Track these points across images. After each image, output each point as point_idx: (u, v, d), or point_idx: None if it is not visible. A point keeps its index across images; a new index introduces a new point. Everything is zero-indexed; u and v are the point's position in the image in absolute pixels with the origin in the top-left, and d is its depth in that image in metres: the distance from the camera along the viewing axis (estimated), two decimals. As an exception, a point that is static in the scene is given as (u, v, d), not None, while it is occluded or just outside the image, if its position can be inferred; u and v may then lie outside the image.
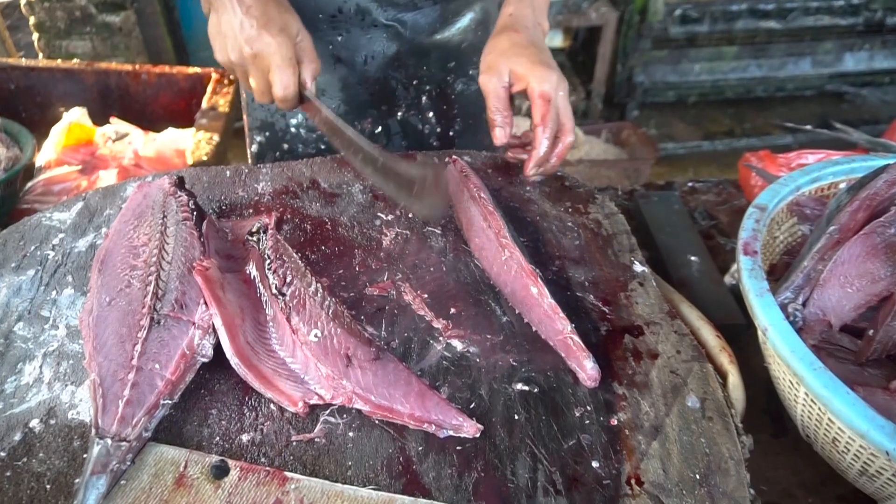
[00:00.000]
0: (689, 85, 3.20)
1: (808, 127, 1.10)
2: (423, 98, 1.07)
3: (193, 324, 0.65)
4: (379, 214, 0.86)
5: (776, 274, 0.72)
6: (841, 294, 0.62)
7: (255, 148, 1.13)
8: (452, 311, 0.72)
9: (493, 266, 0.74)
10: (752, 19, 3.04)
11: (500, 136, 0.87)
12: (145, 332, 0.63)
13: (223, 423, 0.61)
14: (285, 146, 1.10)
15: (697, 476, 0.57)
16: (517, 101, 0.96)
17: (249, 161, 1.16)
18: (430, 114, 1.08)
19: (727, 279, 0.86)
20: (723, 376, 0.66)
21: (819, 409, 0.58)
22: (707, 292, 0.83)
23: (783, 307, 0.63)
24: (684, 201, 1.03)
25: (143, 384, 0.60)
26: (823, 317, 0.63)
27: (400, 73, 1.04)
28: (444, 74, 1.07)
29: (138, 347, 0.62)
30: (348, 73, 1.02)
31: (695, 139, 3.30)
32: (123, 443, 0.56)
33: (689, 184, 1.07)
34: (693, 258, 0.87)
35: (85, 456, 0.56)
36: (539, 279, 0.69)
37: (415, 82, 1.05)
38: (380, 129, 1.08)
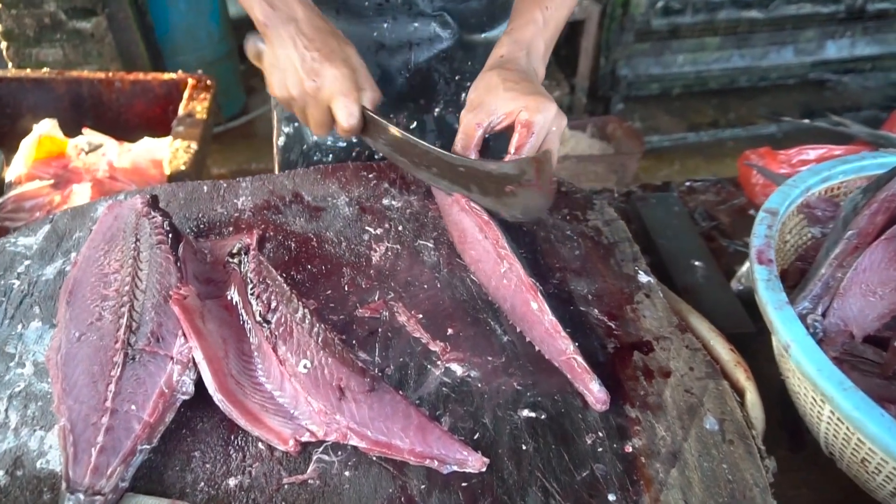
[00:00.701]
0: (673, 77, 3.18)
1: (807, 121, 1.07)
2: (463, 95, 1.02)
3: (172, 358, 0.60)
4: (367, 228, 0.81)
5: (789, 280, 0.68)
6: (863, 303, 0.59)
7: (282, 140, 1.11)
8: (450, 331, 0.68)
9: (492, 280, 0.70)
10: (734, 9, 3.01)
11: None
12: (119, 369, 0.58)
13: (208, 466, 0.56)
14: (313, 138, 1.07)
15: (721, 506, 0.53)
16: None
17: (275, 154, 1.14)
18: None
19: (734, 284, 0.83)
20: (740, 394, 0.62)
21: (847, 428, 0.54)
22: (714, 299, 0.79)
23: (802, 318, 0.59)
24: (682, 202, 0.99)
25: (119, 428, 0.55)
26: (845, 327, 0.59)
27: (444, 67, 1.01)
28: None
29: (112, 387, 0.57)
30: (391, 60, 0.99)
31: (680, 131, 3.27)
32: (98, 496, 0.51)
33: (687, 183, 1.04)
34: (697, 263, 0.84)
35: (55, 512, 0.51)
36: (539, 294, 0.64)
37: (457, 77, 1.02)
38: (415, 124, 1.05)
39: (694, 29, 3.03)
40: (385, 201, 0.85)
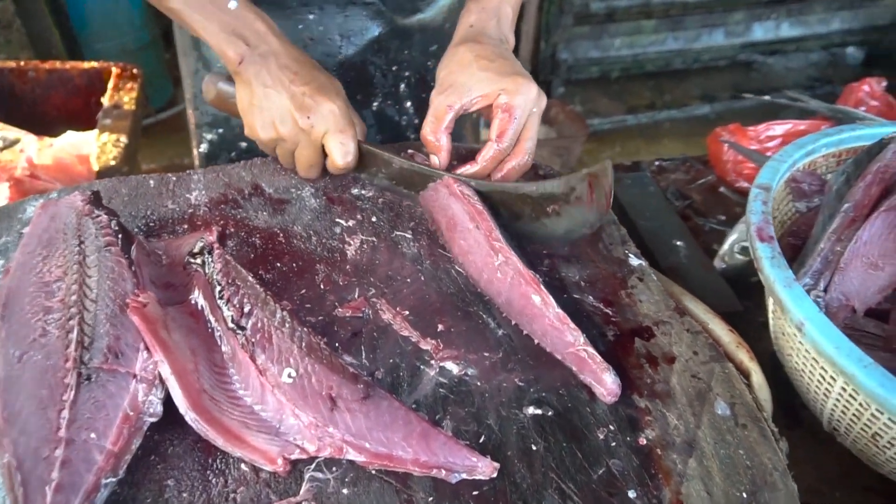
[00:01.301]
0: (612, 60, 3.21)
1: (767, 97, 1.07)
2: (402, 86, 0.96)
3: (135, 376, 0.53)
4: (338, 220, 0.75)
5: (784, 255, 0.67)
6: (865, 276, 0.58)
7: (204, 148, 1.00)
8: (440, 327, 0.63)
9: (483, 273, 0.66)
10: (667, -8, 3.07)
11: (434, 163, 0.74)
12: (73, 392, 0.51)
13: (185, 495, 0.49)
14: (243, 144, 0.97)
15: (745, 494, 0.51)
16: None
17: (196, 165, 1.02)
18: (408, 104, 0.97)
19: (717, 263, 0.82)
20: (745, 375, 0.60)
21: (859, 404, 0.53)
22: (699, 279, 0.78)
23: (805, 295, 0.58)
24: (654, 182, 0.98)
25: (77, 461, 0.48)
26: (847, 302, 0.58)
27: (380, 58, 0.93)
28: (425, 59, 0.96)
29: (65, 413, 0.50)
30: (322, 58, 0.90)
31: (619, 114, 3.32)
32: (58, 544, 0.44)
33: (657, 163, 1.02)
34: (679, 243, 0.82)
35: (7, 566, 0.44)
36: (542, 286, 0.61)
37: (394, 68, 0.95)
38: None
39: (630, 12, 3.06)
40: (354, 191, 0.79)
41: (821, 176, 0.71)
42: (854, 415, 0.55)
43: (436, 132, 0.72)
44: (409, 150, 0.81)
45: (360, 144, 0.75)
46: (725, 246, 0.82)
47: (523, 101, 0.69)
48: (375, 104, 0.97)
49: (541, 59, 3.11)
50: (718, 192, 0.97)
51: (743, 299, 0.78)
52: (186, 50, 0.97)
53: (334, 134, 0.73)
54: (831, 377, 0.55)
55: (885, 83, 1.05)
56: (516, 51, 3.31)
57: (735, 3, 3.21)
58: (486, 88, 0.70)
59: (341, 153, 0.73)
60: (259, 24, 0.73)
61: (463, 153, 0.86)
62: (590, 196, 0.67)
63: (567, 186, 0.67)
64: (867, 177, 0.61)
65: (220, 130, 0.98)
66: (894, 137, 0.64)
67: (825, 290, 0.59)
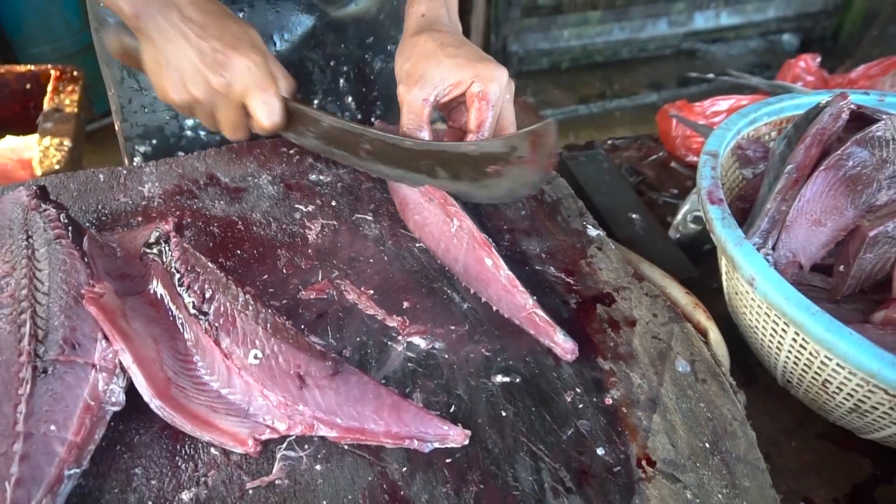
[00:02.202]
0: (561, 51, 3.26)
1: (711, 75, 1.11)
2: (341, 81, 0.93)
3: (94, 366, 0.51)
4: (297, 206, 0.74)
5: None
6: (808, 233, 0.61)
7: (138, 161, 0.94)
8: (406, 304, 0.63)
9: (441, 242, 0.66)
10: (611, -17, 3.13)
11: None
12: (29, 386, 0.49)
13: (153, 483, 0.49)
14: (181, 154, 0.92)
15: (707, 444, 0.53)
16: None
17: None
18: (349, 98, 0.95)
19: (671, 233, 0.84)
20: (703, 333, 0.63)
21: (810, 353, 0.56)
22: (656, 249, 0.80)
23: (754, 253, 0.60)
24: (609, 159, 1.00)
25: (37, 454, 0.46)
26: (794, 258, 0.61)
27: (316, 54, 0.90)
28: (362, 52, 0.94)
29: (22, 408, 0.48)
30: None
31: (570, 104, 3.37)
32: (23, 537, 0.43)
33: (609, 141, 1.05)
34: (634, 216, 0.84)
35: (-32, 565, 0.42)
36: (493, 249, 0.61)
37: (332, 63, 0.92)
38: None
39: (576, 3, 3.11)
40: (312, 177, 0.79)
41: (764, 143, 0.74)
42: (805, 364, 0.58)
43: (418, 129, 0.68)
44: (376, 122, 0.80)
45: (286, 102, 0.68)
46: (679, 216, 0.85)
47: (497, 87, 0.66)
48: (316, 101, 0.95)
49: (491, 52, 3.12)
50: (670, 168, 1.00)
51: (697, 266, 0.80)
52: (108, 58, 0.91)
53: (255, 92, 0.65)
54: (783, 329, 0.57)
55: (819, 59, 1.10)
56: (467, 44, 3.30)
57: (677, -7, 3.30)
58: (457, 76, 0.66)
59: (265, 113, 0.66)
60: None
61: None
62: (532, 155, 0.63)
63: (508, 146, 0.64)
64: (807, 139, 0.64)
65: (154, 141, 0.92)
66: (830, 102, 0.67)
67: (773, 248, 0.61)
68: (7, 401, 0.49)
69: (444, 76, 0.66)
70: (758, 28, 3.58)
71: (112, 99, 0.95)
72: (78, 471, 0.48)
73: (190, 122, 0.91)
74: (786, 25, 3.64)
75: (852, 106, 0.66)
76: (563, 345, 0.58)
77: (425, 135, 0.67)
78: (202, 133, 0.92)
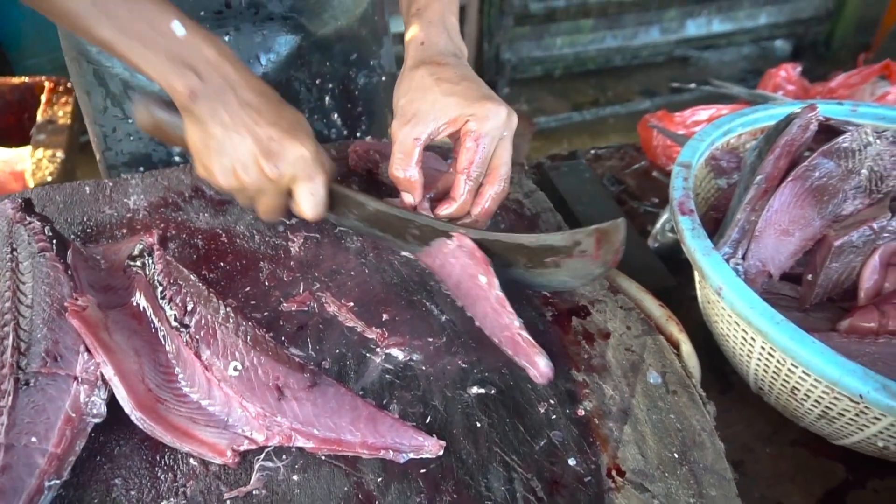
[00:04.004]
0: (554, 59, 3.28)
1: (693, 85, 1.13)
2: (327, 98, 0.94)
3: (75, 378, 0.52)
4: (281, 219, 0.76)
5: (705, 228, 0.71)
6: (777, 243, 0.62)
7: None
8: (385, 317, 0.65)
9: (437, 259, 0.67)
10: (603, -9, 3.16)
11: (408, 201, 0.68)
12: (11, 398, 0.50)
13: (133, 493, 0.50)
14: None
15: (675, 455, 0.54)
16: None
17: None
18: (335, 115, 0.96)
19: (650, 242, 0.86)
20: (675, 346, 0.64)
21: (778, 361, 0.57)
22: (634, 258, 0.81)
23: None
24: (591, 169, 1.02)
25: (18, 465, 0.47)
26: (763, 268, 0.62)
27: (302, 73, 0.90)
28: (346, 69, 0.95)
29: (3, 419, 0.49)
30: None
31: (564, 111, 3.39)
32: (2, 548, 0.44)
33: (592, 151, 1.06)
34: (614, 226, 0.85)
35: (-51, 575, 0.43)
36: (490, 267, 0.62)
37: (318, 81, 0.92)
38: None
39: (569, 12, 3.14)
40: (296, 189, 0.80)
41: (738, 154, 0.76)
42: (774, 372, 0.59)
43: (406, 169, 0.65)
44: (355, 146, 0.81)
45: (331, 188, 0.68)
46: (658, 225, 0.86)
47: (492, 126, 0.63)
48: None
49: (485, 61, 3.16)
50: (651, 177, 1.02)
51: (675, 275, 0.81)
52: (87, 87, 0.90)
53: (304, 182, 0.65)
54: (752, 338, 0.59)
55: (799, 68, 1.11)
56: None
57: (668, 1, 3.33)
58: (452, 114, 0.64)
59: (311, 204, 0.66)
60: (209, 51, 0.63)
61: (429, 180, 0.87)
62: (596, 251, 0.61)
63: (571, 240, 0.62)
64: (776, 150, 0.65)
65: (141, 169, 0.91)
66: (798, 113, 0.68)
67: (743, 258, 0.63)
68: (-11, 413, 0.50)
69: (439, 115, 0.64)
70: (749, 34, 3.61)
71: (92, 129, 0.93)
72: (58, 482, 0.49)
73: (178, 148, 0.91)
74: (777, 32, 3.66)
75: (820, 118, 0.67)
76: (542, 369, 0.58)
77: (414, 173, 0.66)
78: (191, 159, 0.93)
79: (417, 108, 0.65)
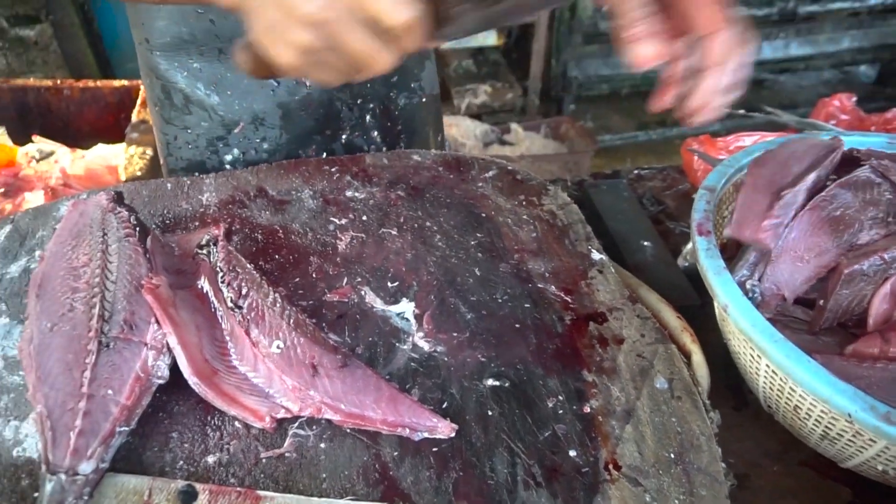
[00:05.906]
0: (621, 77, 3.29)
1: (741, 111, 1.14)
2: (368, 117, 1.02)
3: (146, 344, 0.61)
4: (332, 219, 0.84)
5: (728, 252, 0.74)
6: (793, 268, 0.65)
7: None
8: (416, 311, 0.71)
9: None
10: (675, 12, 3.14)
11: (642, 54, 0.52)
12: (94, 356, 0.59)
13: (186, 445, 0.58)
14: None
15: (672, 455, 0.57)
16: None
17: None
18: (375, 133, 1.04)
19: (680, 261, 0.89)
20: (686, 356, 0.67)
21: (781, 379, 0.60)
22: (662, 275, 0.85)
23: (741, 284, 0.65)
24: (632, 188, 1.05)
25: (96, 412, 0.56)
26: (778, 291, 0.65)
27: (344, 94, 0.99)
28: (387, 90, 1.03)
29: (87, 374, 0.58)
30: (289, 99, 0.96)
31: (630, 130, 3.39)
32: (78, 477, 0.52)
33: (635, 171, 1.10)
34: (646, 243, 0.89)
35: (36, 495, 0.52)
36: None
37: (359, 101, 1.01)
38: (324, 154, 1.03)
39: (639, 31, 3.14)
40: (348, 193, 0.88)
41: (768, 180, 0.78)
42: (779, 389, 0.61)
43: (636, 8, 0.50)
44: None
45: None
46: (689, 246, 0.89)
47: None
48: (344, 136, 1.03)
49: (552, 77, 3.21)
50: (691, 199, 1.03)
51: (703, 294, 0.84)
52: (157, 100, 1.00)
53: None
54: (758, 356, 0.61)
55: (854, 98, 1.11)
56: (527, 69, 3.39)
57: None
58: None
59: (398, 7, 0.49)
60: None
61: (450, 160, 0.95)
62: None
63: None
64: (798, 179, 0.68)
65: (196, 174, 0.97)
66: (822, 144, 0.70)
67: (759, 280, 0.66)
68: (76, 367, 0.59)
69: None
70: (830, 59, 3.49)
71: (158, 137, 1.05)
72: (127, 429, 0.57)
73: (229, 157, 1.01)
74: (861, 57, 3.53)
75: (843, 150, 0.69)
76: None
77: (649, 18, 0.51)
78: (239, 168, 1.03)
79: None
